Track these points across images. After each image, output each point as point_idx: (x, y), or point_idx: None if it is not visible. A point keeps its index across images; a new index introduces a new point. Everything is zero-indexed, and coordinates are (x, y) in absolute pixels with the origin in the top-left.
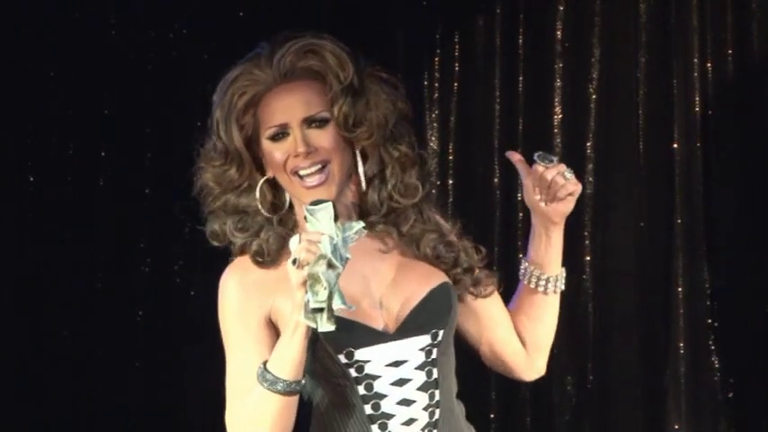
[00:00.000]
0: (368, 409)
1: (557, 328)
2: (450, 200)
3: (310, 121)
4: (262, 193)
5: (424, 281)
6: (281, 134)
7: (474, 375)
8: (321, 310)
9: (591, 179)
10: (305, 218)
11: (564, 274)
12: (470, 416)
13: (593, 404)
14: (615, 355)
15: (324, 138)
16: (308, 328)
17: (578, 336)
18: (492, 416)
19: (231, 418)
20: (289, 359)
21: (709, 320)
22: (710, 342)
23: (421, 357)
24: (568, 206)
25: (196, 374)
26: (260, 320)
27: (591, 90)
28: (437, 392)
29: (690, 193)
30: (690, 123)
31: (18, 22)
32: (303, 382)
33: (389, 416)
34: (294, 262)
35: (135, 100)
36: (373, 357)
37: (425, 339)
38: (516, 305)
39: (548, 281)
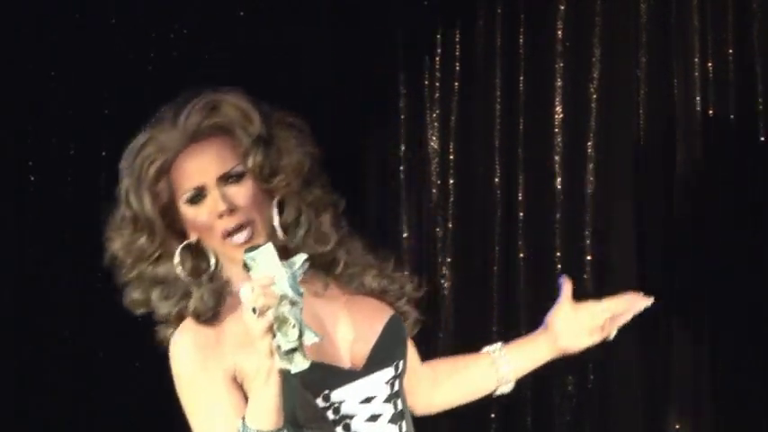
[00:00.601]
0: None
1: None
2: (451, 200)
3: (227, 178)
4: (182, 259)
5: (377, 315)
6: (198, 196)
7: None
8: (295, 350)
9: (591, 179)
10: (244, 266)
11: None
12: (470, 416)
13: (594, 404)
14: (615, 354)
15: (242, 193)
16: (281, 371)
17: None
18: (492, 416)
19: None
20: (268, 408)
21: (710, 320)
22: (710, 342)
23: (387, 390)
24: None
25: None
26: (224, 380)
27: (592, 90)
28: (403, 423)
29: (690, 193)
30: (690, 123)
31: (18, 22)
32: (284, 429)
33: None
34: (254, 311)
35: (135, 100)
36: (347, 397)
37: (390, 372)
38: (459, 358)
39: (501, 379)
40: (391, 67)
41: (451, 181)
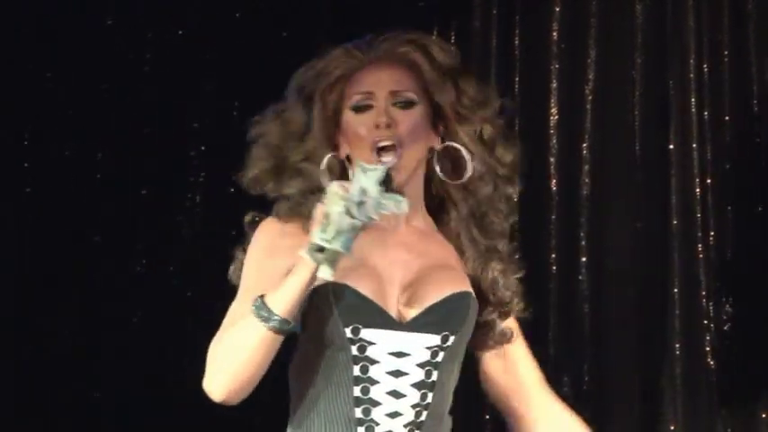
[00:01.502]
0: (356, 391)
1: (553, 328)
2: None
3: (397, 98)
4: (330, 165)
5: (452, 283)
6: (364, 106)
7: (469, 376)
8: (322, 249)
9: (587, 180)
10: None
11: None
12: (465, 417)
13: (589, 405)
14: (611, 355)
15: (407, 117)
16: (314, 272)
17: (574, 336)
18: (487, 417)
19: (213, 345)
20: (287, 297)
21: (705, 321)
22: (706, 343)
23: (425, 355)
24: None
25: (191, 375)
26: (282, 269)
27: (587, 91)
28: (430, 395)
29: (685, 194)
30: (686, 124)
31: (16, 23)
32: (293, 325)
33: (376, 403)
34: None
35: (132, 101)
36: (378, 341)
37: (434, 339)
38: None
39: None
40: None
41: None
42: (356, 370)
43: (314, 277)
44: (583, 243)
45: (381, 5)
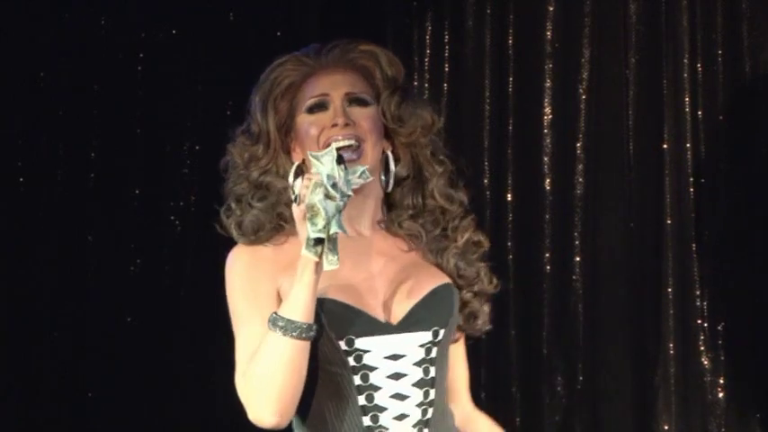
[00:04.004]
0: (361, 400)
1: (547, 328)
2: None
3: (353, 98)
4: (295, 176)
5: (430, 279)
6: (319, 105)
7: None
8: (321, 241)
9: (581, 180)
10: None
11: None
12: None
13: (583, 405)
14: (605, 355)
15: (364, 114)
16: (316, 269)
17: (568, 336)
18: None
19: (242, 379)
20: (300, 301)
21: (699, 321)
22: (700, 343)
23: (420, 354)
24: None
25: (186, 375)
26: (269, 293)
27: (581, 91)
28: (432, 391)
29: (679, 194)
30: (679, 124)
31: (7, 23)
32: (315, 328)
33: (382, 408)
34: (296, 200)
35: (125, 101)
36: (373, 348)
37: (426, 336)
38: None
39: None
40: None
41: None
42: (357, 380)
43: (319, 274)
44: (577, 243)
45: (375, 5)
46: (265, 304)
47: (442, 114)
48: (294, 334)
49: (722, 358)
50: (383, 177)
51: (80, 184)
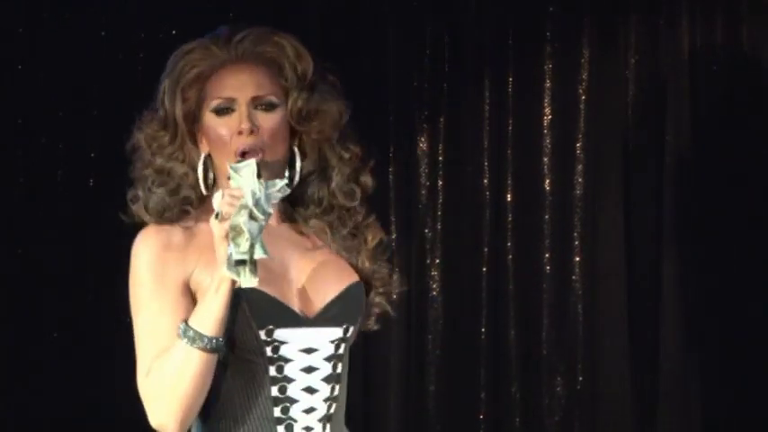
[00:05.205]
0: (274, 391)
1: (546, 328)
2: (440, 201)
3: (258, 103)
4: (204, 168)
5: (343, 276)
6: (226, 109)
7: (463, 376)
8: (243, 262)
9: (580, 180)
10: (227, 177)
11: None
12: (459, 416)
13: (583, 405)
14: (604, 355)
15: (269, 120)
16: (232, 284)
17: (567, 337)
18: (481, 416)
19: (145, 378)
20: (212, 315)
21: (698, 321)
22: (698, 343)
23: (330, 349)
24: None
25: None
26: (178, 282)
27: (580, 90)
28: (337, 387)
29: (680, 195)
30: (680, 124)
31: (7, 23)
32: (222, 341)
33: (293, 400)
34: (217, 216)
35: (124, 101)
36: (290, 340)
37: (337, 332)
38: None
39: None
40: (381, 69)
41: (440, 182)
42: (272, 370)
43: (233, 290)
44: (576, 243)
45: (373, 6)
46: (172, 292)
47: (442, 114)
48: (202, 345)
49: (720, 359)
50: (287, 174)
51: (80, 184)
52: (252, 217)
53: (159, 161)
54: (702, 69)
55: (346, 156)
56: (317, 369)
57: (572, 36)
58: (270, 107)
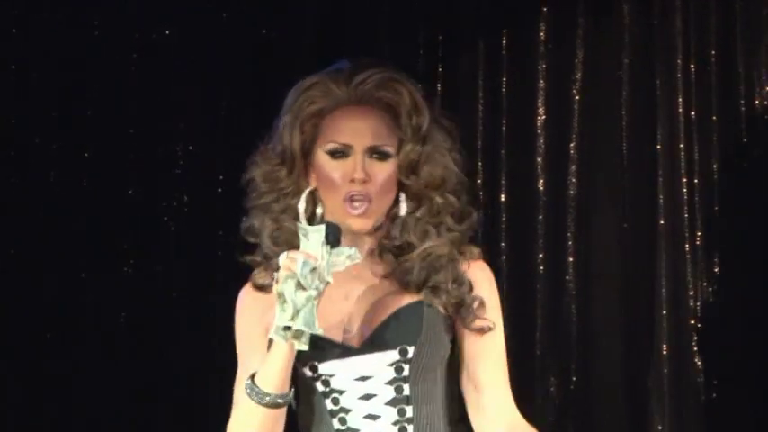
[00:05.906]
0: (336, 423)
1: (540, 329)
2: None
3: (374, 152)
4: (308, 200)
5: (396, 299)
6: (341, 153)
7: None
8: (288, 328)
9: (574, 180)
10: (302, 234)
11: None
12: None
13: (577, 405)
14: (598, 356)
15: (383, 171)
16: (290, 347)
17: (561, 337)
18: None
19: (230, 423)
20: (272, 374)
21: (692, 321)
22: (693, 343)
23: (390, 373)
24: None
25: (179, 375)
26: (260, 334)
27: (574, 91)
28: (409, 408)
29: (673, 195)
30: (673, 124)
31: (0, 23)
32: (290, 395)
33: (355, 430)
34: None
35: (118, 101)
36: (337, 371)
37: (393, 355)
38: None
39: None
40: None
41: None
42: (329, 404)
43: (292, 349)
44: (570, 243)
45: (368, 9)
46: (258, 344)
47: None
48: (264, 402)
49: (715, 359)
50: (403, 212)
51: (73, 185)
52: (300, 286)
53: (273, 203)
54: (696, 70)
55: (452, 200)
56: (375, 395)
57: (566, 36)
58: (384, 156)
